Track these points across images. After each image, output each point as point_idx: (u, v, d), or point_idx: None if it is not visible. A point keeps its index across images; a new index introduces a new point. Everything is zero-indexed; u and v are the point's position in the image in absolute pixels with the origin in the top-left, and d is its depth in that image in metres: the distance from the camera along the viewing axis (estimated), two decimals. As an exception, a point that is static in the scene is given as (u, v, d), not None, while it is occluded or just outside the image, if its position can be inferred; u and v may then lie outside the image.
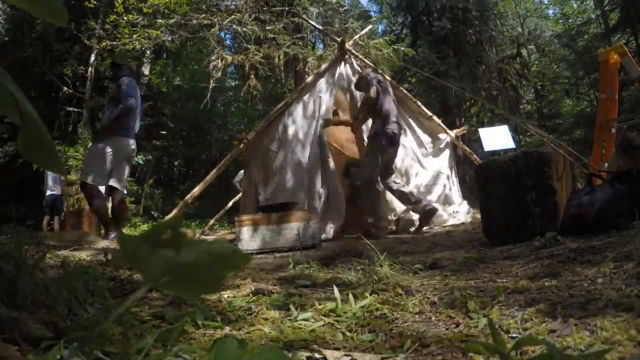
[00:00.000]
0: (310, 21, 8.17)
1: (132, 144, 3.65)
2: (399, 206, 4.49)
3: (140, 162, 10.89)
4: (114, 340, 0.77)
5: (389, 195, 4.39)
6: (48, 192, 7.30)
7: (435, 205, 4.37)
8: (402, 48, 10.00)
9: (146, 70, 12.14)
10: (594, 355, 0.52)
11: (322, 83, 5.11)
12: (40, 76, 10.20)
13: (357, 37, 6.68)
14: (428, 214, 4.08)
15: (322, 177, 4.50)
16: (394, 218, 4.55)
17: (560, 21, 18.51)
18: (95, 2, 9.64)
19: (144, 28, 9.03)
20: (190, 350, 0.76)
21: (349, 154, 5.27)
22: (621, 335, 0.70)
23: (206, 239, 0.45)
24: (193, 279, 0.40)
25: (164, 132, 12.39)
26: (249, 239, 3.19)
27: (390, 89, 4.41)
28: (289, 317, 1.07)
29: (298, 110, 4.94)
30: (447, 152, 5.27)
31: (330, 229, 4.14)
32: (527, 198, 2.21)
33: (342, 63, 5.27)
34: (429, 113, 5.36)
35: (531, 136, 14.78)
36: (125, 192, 3.98)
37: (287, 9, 9.10)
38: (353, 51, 5.52)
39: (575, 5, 17.79)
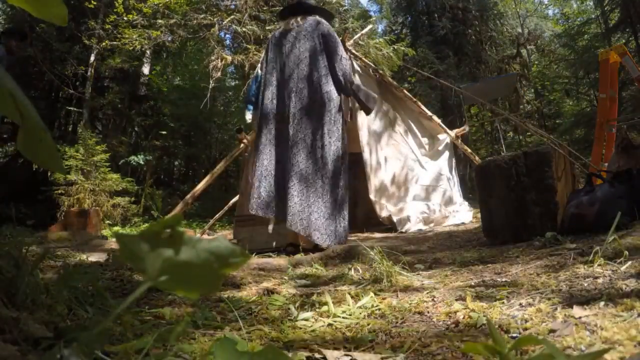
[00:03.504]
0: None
1: None
2: (393, 204, 4.47)
3: (141, 162, 10.88)
4: (114, 340, 0.77)
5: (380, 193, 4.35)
6: None
7: (437, 205, 4.36)
8: (402, 48, 10.01)
9: (146, 70, 12.13)
10: (594, 355, 0.52)
11: None
12: (40, 76, 10.19)
13: (357, 36, 6.67)
14: None
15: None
16: (385, 215, 4.52)
17: (560, 21, 18.50)
18: (95, 2, 9.64)
19: (144, 28, 9.03)
20: (190, 350, 0.76)
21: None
22: (621, 335, 0.69)
23: (206, 238, 0.45)
24: (192, 277, 0.40)
25: (164, 132, 12.38)
26: (248, 238, 3.19)
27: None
28: (289, 317, 1.07)
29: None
30: (447, 152, 5.28)
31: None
32: (527, 198, 2.21)
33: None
34: (429, 113, 5.36)
35: (531, 136, 14.77)
36: None
37: (287, 9, 9.09)
38: (353, 51, 5.51)
39: (575, 5, 17.79)
